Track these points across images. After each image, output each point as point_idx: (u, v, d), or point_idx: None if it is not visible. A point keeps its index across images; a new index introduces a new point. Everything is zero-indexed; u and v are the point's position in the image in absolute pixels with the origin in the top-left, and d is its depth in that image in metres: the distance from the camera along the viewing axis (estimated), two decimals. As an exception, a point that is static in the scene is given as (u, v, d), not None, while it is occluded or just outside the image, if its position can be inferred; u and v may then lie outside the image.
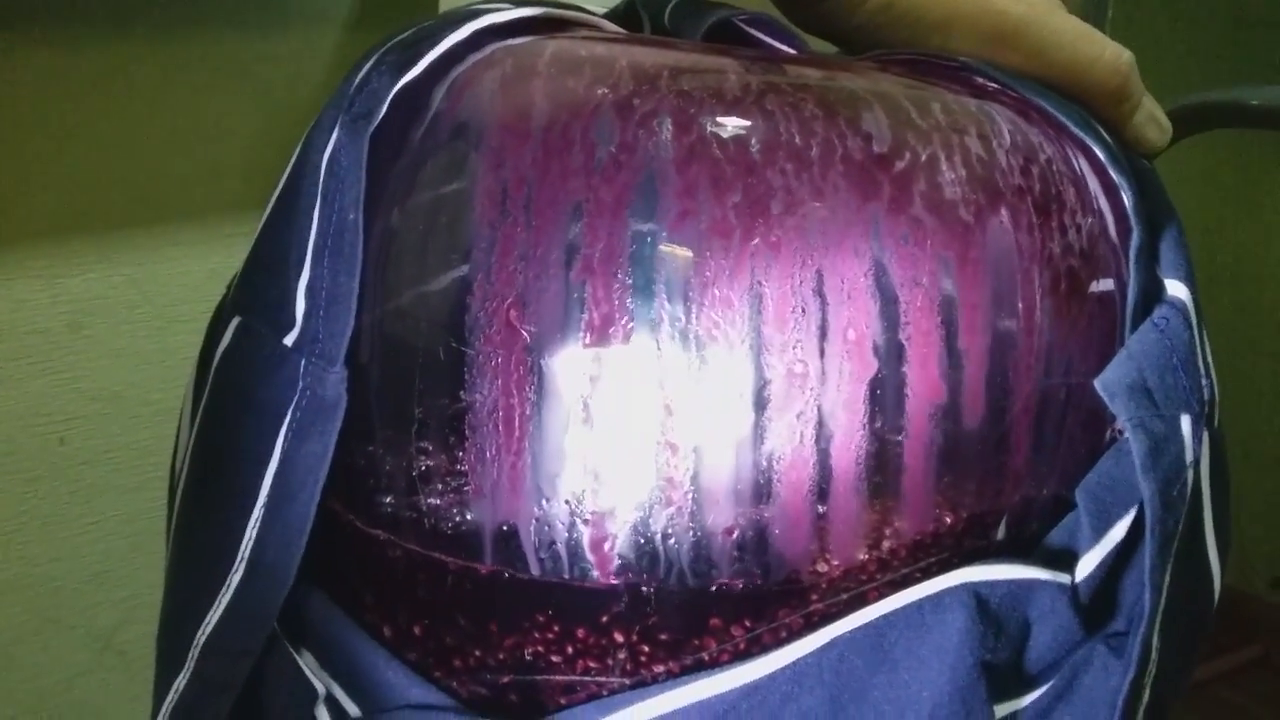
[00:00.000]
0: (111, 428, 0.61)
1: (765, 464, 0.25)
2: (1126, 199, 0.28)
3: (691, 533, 0.26)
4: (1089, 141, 0.28)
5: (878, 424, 0.25)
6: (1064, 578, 0.27)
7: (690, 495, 0.26)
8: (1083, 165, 0.28)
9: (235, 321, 0.31)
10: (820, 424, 0.25)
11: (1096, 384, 0.27)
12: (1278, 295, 1.16)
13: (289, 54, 0.60)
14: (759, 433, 0.25)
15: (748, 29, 0.32)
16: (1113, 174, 0.28)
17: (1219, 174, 1.09)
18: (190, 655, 0.28)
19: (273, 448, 0.28)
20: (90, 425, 0.60)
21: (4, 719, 0.63)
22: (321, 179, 0.29)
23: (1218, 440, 0.30)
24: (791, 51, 0.31)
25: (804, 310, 0.25)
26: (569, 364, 0.26)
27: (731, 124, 0.25)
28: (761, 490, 0.25)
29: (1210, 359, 0.30)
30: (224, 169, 0.61)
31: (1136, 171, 0.30)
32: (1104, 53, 0.30)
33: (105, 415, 0.60)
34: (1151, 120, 0.32)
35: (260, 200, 0.62)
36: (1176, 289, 0.28)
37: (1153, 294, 0.29)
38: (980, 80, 0.29)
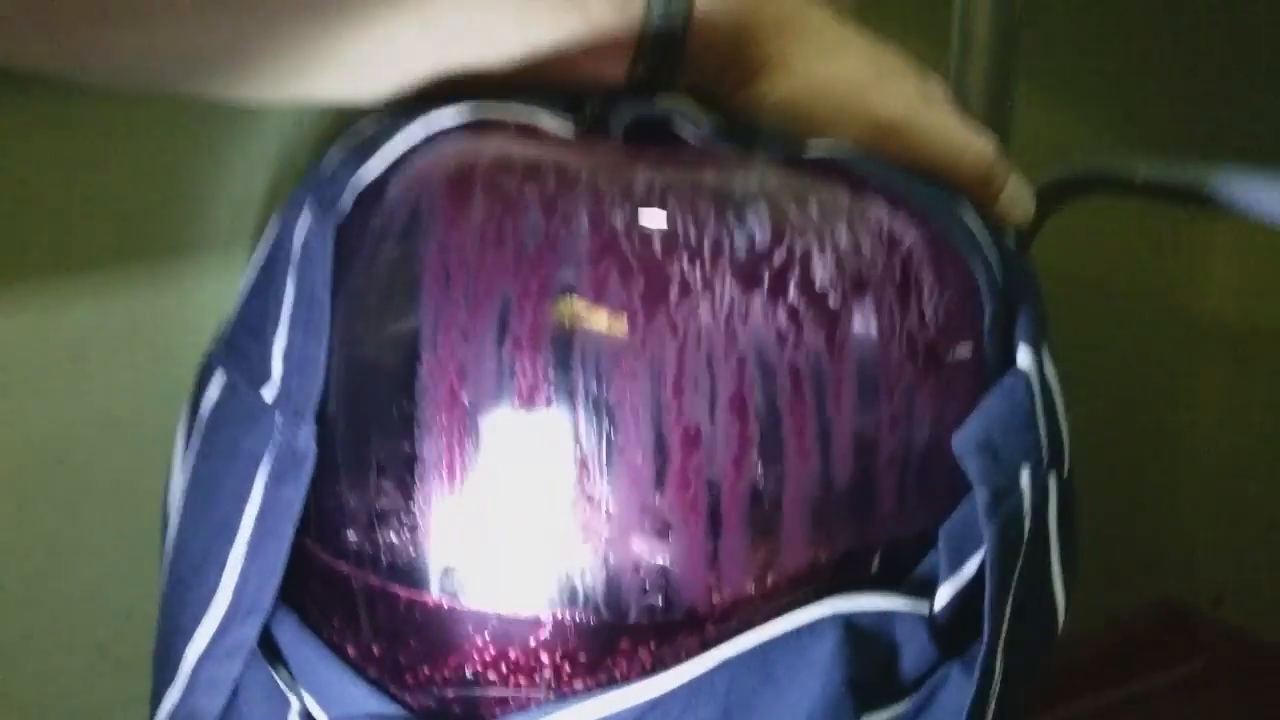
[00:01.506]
0: (108, 451, 0.64)
1: (665, 511, 0.30)
2: (981, 278, 0.33)
3: (604, 571, 0.30)
4: (949, 228, 0.33)
5: (759, 477, 0.30)
6: (923, 608, 0.31)
7: (604, 539, 0.30)
8: (940, 250, 0.32)
9: (222, 377, 0.35)
10: (710, 477, 0.30)
11: (953, 442, 0.31)
12: (1216, 313, 1.20)
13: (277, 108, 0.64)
14: (660, 484, 0.30)
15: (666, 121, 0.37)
16: (968, 258, 0.33)
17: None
18: (180, 670, 0.33)
19: (251, 489, 0.32)
20: (88, 449, 0.64)
21: (6, 724, 0.66)
22: (295, 259, 0.33)
23: (1067, 488, 0.34)
24: (695, 147, 0.36)
25: (696, 382, 0.29)
26: (500, 425, 0.30)
27: (638, 222, 0.30)
28: (662, 533, 0.30)
29: (1062, 417, 0.35)
30: (214, 209, 0.65)
31: (999, 250, 0.35)
32: (971, 144, 0.35)
33: (102, 439, 0.64)
34: (1016, 199, 0.37)
35: (246, 238, 0.66)
36: (1023, 357, 0.33)
37: (1010, 358, 0.33)
38: (858, 175, 0.33)
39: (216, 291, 0.65)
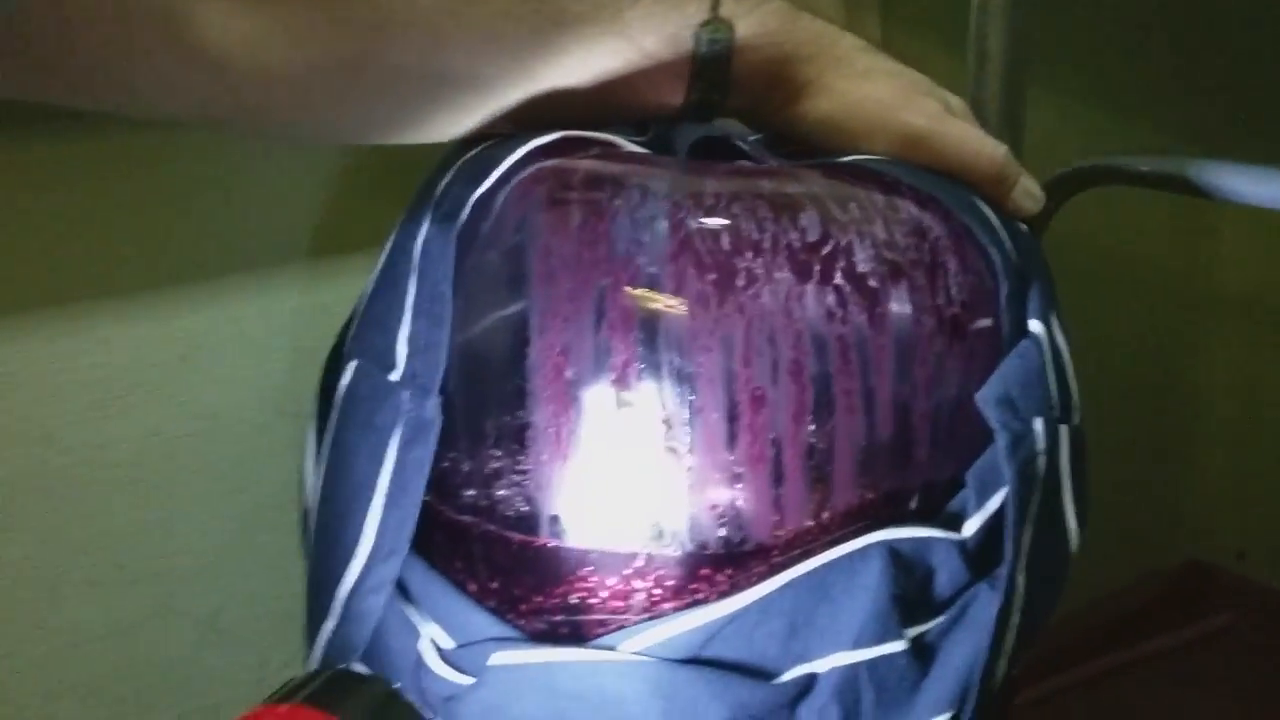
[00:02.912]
0: (212, 442, 0.70)
1: (736, 462, 0.36)
2: (997, 261, 0.38)
3: (687, 512, 0.36)
4: (968, 220, 0.39)
5: (813, 432, 0.36)
6: (955, 536, 0.37)
7: (686, 486, 0.36)
8: (962, 238, 0.38)
9: (353, 364, 0.41)
10: (773, 433, 0.35)
11: (976, 398, 0.37)
12: (1230, 285, 1.24)
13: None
14: (732, 440, 0.36)
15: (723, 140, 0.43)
16: (986, 245, 0.38)
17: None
18: (333, 605, 0.39)
19: (385, 454, 0.38)
20: (194, 440, 0.70)
21: (124, 694, 0.71)
22: (416, 260, 0.39)
23: (1078, 434, 0.40)
24: (751, 163, 0.42)
25: (760, 354, 0.35)
26: (598, 395, 0.36)
27: (708, 224, 0.36)
28: (735, 480, 0.36)
29: (1070, 377, 0.40)
30: (300, 226, 0.71)
31: (1013, 236, 0.40)
32: (984, 149, 0.41)
33: (207, 432, 0.70)
34: (1026, 194, 0.42)
35: (329, 251, 0.72)
36: (1035, 326, 0.39)
37: (1024, 328, 0.39)
38: (890, 179, 0.39)
39: (305, 298, 0.71)
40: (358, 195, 0.70)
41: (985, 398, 0.37)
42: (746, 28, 0.40)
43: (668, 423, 0.36)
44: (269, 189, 0.68)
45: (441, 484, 0.38)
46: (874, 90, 0.41)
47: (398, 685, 0.37)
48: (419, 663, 0.38)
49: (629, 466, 0.36)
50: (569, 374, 0.36)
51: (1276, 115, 1.09)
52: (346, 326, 0.45)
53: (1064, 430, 0.39)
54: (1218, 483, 1.26)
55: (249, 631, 0.74)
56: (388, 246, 0.42)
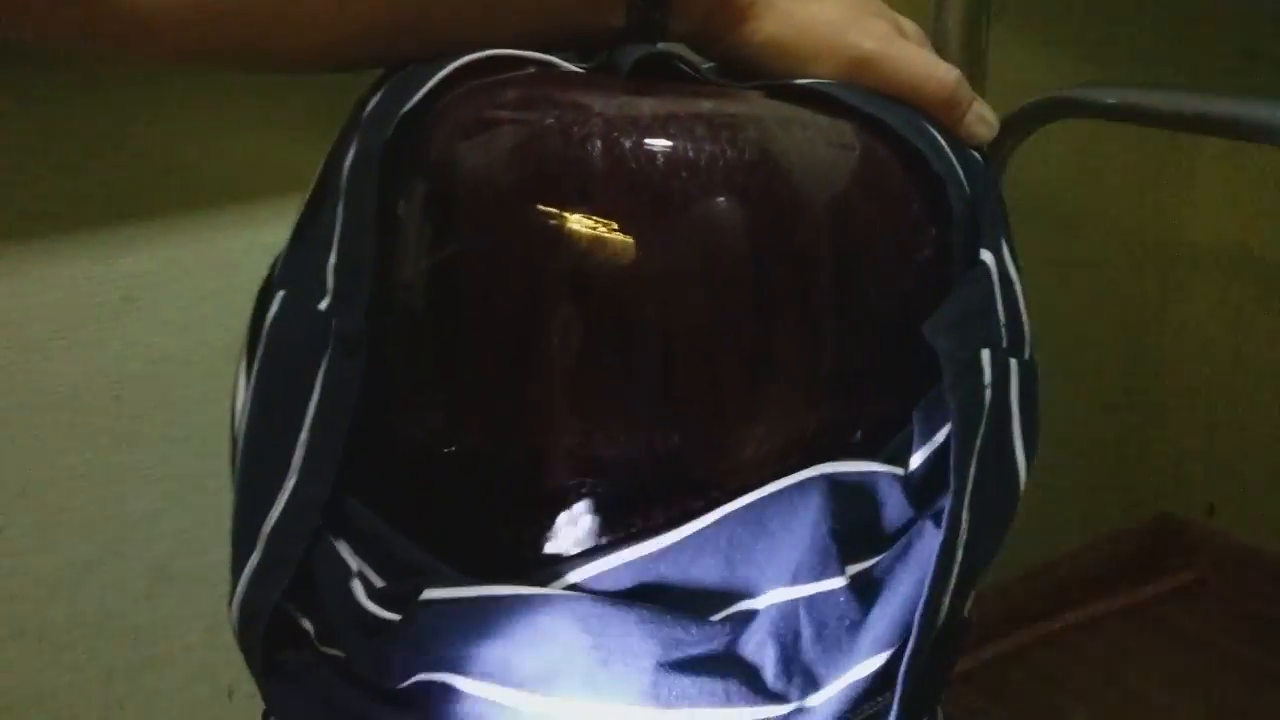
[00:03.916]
0: (161, 385, 0.68)
1: (672, 391, 0.34)
2: (948, 187, 0.37)
3: (624, 446, 0.35)
4: (917, 144, 0.37)
5: (753, 362, 0.34)
6: (899, 470, 0.36)
7: (623, 418, 0.35)
8: (909, 161, 0.37)
9: (280, 294, 0.40)
10: (711, 363, 0.34)
11: (923, 327, 0.36)
12: (1202, 237, 1.24)
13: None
14: (667, 369, 0.34)
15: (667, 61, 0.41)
16: (935, 170, 0.37)
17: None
18: (258, 541, 0.37)
19: (315, 381, 0.37)
20: (143, 384, 0.68)
21: (72, 640, 0.71)
22: (344, 185, 0.38)
23: (1028, 368, 0.39)
24: (693, 82, 0.40)
25: (697, 281, 0.34)
26: (531, 325, 0.35)
27: (643, 143, 0.34)
28: (671, 410, 0.35)
29: (1023, 308, 0.39)
30: (252, 162, 0.69)
31: (965, 164, 0.39)
32: (935, 72, 0.39)
33: (154, 374, 0.68)
34: (980, 120, 0.41)
35: (279, 189, 0.71)
36: (985, 255, 0.37)
37: (974, 259, 0.38)
38: (835, 100, 0.38)
39: (254, 238, 0.69)
40: (304, 134, 0.69)
41: (931, 327, 0.36)
42: None
43: (601, 351, 0.34)
44: (215, 127, 0.67)
45: (375, 418, 0.37)
46: (821, 11, 0.40)
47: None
48: (349, 599, 0.37)
49: (564, 398, 0.35)
50: (500, 302, 0.35)
51: (1254, 48, 1.08)
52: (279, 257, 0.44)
53: (1014, 363, 0.38)
54: (1188, 437, 1.26)
55: (199, 579, 0.73)
56: (318, 171, 0.40)
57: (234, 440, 0.43)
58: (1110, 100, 0.45)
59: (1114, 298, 1.24)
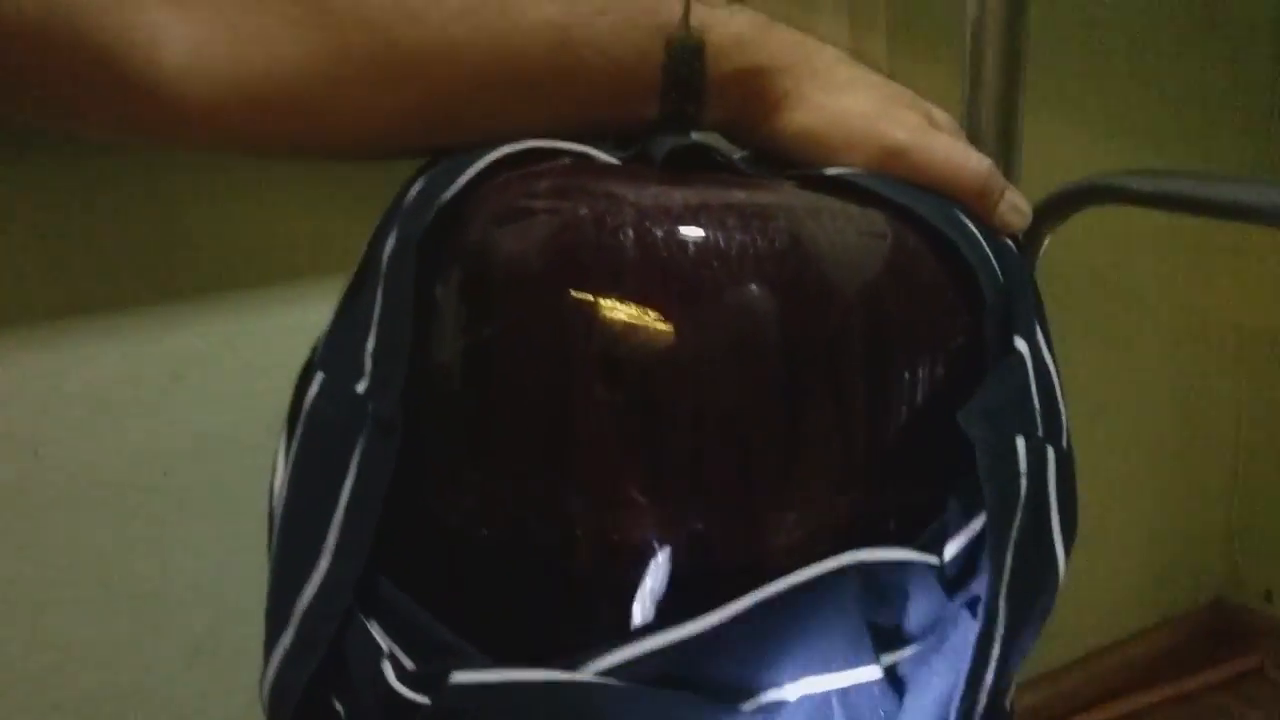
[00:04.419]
0: (204, 462, 0.69)
1: (706, 478, 0.34)
2: (979, 274, 0.37)
3: (656, 530, 0.35)
4: (949, 234, 0.37)
5: (786, 451, 0.34)
6: (934, 559, 0.36)
7: (656, 506, 0.35)
8: (942, 250, 0.37)
9: (320, 375, 0.40)
10: (744, 452, 0.34)
11: (958, 415, 0.36)
12: (1252, 327, 1.22)
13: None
14: (699, 456, 0.34)
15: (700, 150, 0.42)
16: (968, 259, 0.37)
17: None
18: (291, 621, 0.38)
19: (350, 463, 0.37)
20: (186, 460, 0.69)
21: (110, 713, 0.71)
22: (384, 270, 0.38)
23: (1065, 457, 0.38)
24: (727, 173, 0.41)
25: (728, 370, 0.34)
26: (564, 411, 0.35)
27: (675, 233, 0.35)
28: (705, 497, 0.35)
29: (1059, 397, 0.39)
30: (301, 242, 0.71)
31: (998, 253, 0.39)
32: (967, 162, 0.40)
33: (199, 452, 0.69)
34: (1013, 209, 0.41)
35: (327, 268, 0.72)
36: (1020, 344, 0.37)
37: (1008, 348, 0.38)
38: (867, 190, 0.38)
39: (302, 317, 0.71)
40: (351, 213, 0.70)
41: (966, 415, 0.36)
42: (718, 37, 0.39)
43: (634, 439, 0.35)
44: (263, 208, 0.68)
45: (410, 498, 0.37)
46: (854, 102, 0.40)
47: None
48: (379, 681, 0.37)
49: (594, 482, 0.35)
50: (533, 389, 0.35)
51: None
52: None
53: (1050, 451, 0.37)
54: (1244, 522, 1.24)
55: (240, 652, 0.73)
56: (361, 255, 0.41)
57: (271, 519, 0.44)
58: (1144, 187, 0.45)
59: (1167, 379, 1.23)
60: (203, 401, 0.69)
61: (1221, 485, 1.27)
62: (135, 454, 0.68)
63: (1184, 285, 1.20)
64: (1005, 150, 0.49)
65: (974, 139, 0.43)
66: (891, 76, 0.43)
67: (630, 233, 0.35)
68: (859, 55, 0.42)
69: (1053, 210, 0.49)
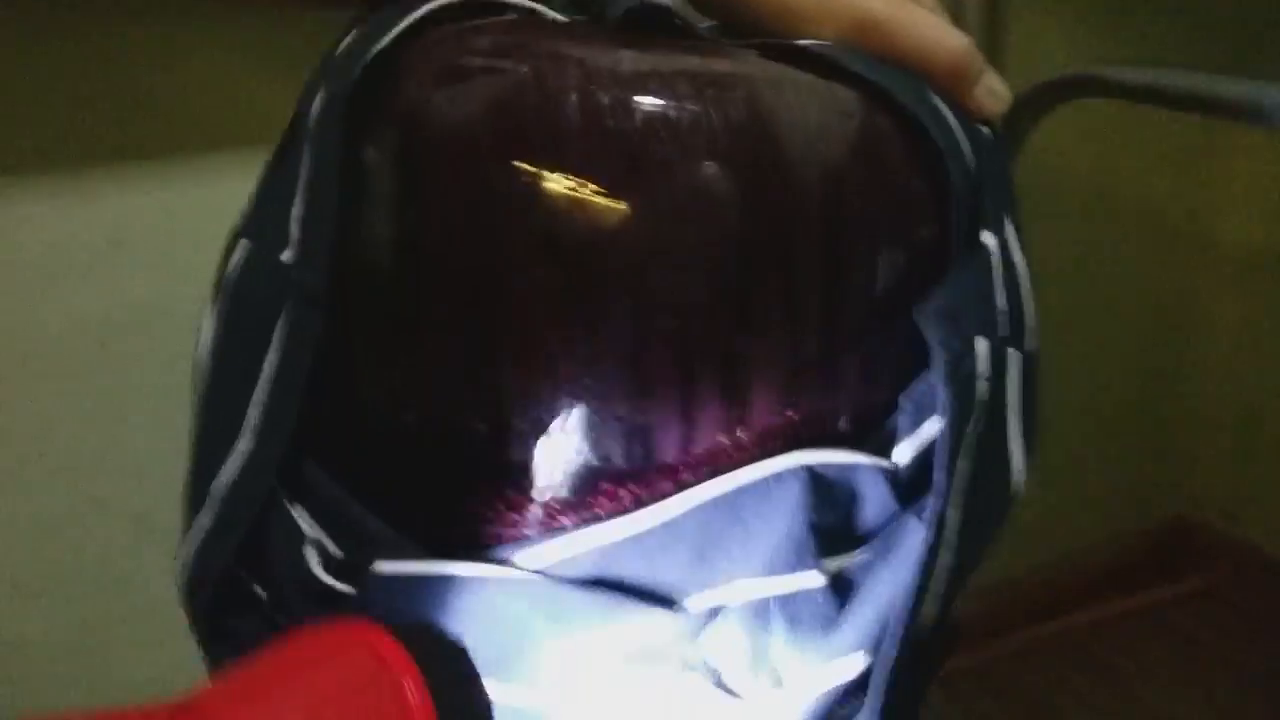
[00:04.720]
0: (145, 332, 0.67)
1: (646, 371, 0.32)
2: (950, 161, 0.34)
3: (590, 422, 0.33)
4: (920, 115, 0.35)
5: (731, 342, 0.32)
6: (884, 462, 0.34)
7: (591, 394, 0.33)
8: (909, 132, 0.34)
9: (244, 243, 0.38)
10: (686, 341, 0.32)
11: (914, 312, 0.34)
12: (1232, 235, 1.20)
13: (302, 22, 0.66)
14: (639, 344, 0.32)
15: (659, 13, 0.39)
16: (938, 144, 0.34)
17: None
18: (210, 500, 0.36)
19: (272, 336, 0.35)
20: (127, 330, 0.67)
21: (49, 592, 0.70)
22: (310, 133, 0.36)
23: (1028, 362, 0.36)
24: (687, 38, 0.38)
25: (672, 253, 0.32)
26: (495, 289, 0.32)
27: (622, 100, 0.32)
28: (643, 391, 0.32)
29: (1026, 296, 0.37)
30: (243, 109, 0.67)
31: (972, 138, 0.36)
32: (944, 39, 0.37)
33: (140, 321, 0.67)
34: (989, 93, 0.38)
35: (267, 137, 0.69)
36: (987, 237, 0.35)
37: (975, 241, 0.35)
38: (834, 64, 0.35)
39: (245, 184, 0.68)
40: (302, 83, 0.67)
41: (924, 312, 0.33)
42: None
43: (569, 323, 0.32)
44: (222, 71, 0.65)
45: (339, 381, 0.35)
46: None
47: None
48: (301, 566, 0.35)
49: (529, 367, 0.33)
50: (463, 265, 0.33)
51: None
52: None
53: (1013, 354, 0.35)
54: (1210, 440, 1.24)
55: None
56: (291, 117, 0.38)
57: (194, 396, 0.41)
58: (1131, 79, 0.42)
59: (1141, 291, 1.21)
60: (141, 270, 0.66)
61: (1191, 400, 1.26)
62: (71, 322, 0.65)
63: (1164, 193, 1.18)
64: (989, 34, 0.45)
65: (956, 20, 0.40)
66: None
67: (574, 97, 0.32)
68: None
69: (1036, 100, 0.46)
